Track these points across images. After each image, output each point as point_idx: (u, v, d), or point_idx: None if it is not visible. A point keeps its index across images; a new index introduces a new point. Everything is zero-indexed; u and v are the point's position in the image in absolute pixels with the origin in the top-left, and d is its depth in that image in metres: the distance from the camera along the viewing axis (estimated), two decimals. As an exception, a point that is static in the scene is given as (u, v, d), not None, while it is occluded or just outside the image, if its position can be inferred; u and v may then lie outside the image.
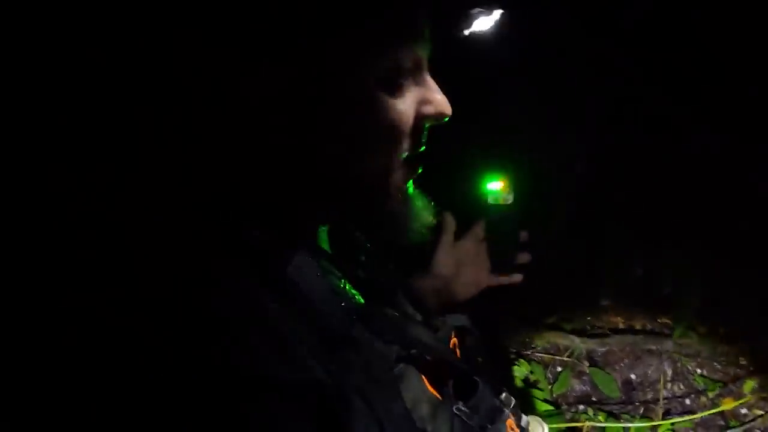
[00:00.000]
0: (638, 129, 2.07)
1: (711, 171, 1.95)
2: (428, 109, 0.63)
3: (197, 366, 0.45)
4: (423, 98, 0.62)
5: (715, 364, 1.91)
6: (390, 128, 0.59)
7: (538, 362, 2.04)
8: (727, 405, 1.77)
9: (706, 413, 1.74)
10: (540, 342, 2.08)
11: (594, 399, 1.94)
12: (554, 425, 1.76)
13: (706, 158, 1.96)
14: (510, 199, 1.00)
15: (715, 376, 1.88)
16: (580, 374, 2.01)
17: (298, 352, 0.51)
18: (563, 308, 2.12)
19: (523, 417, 0.86)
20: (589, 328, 2.10)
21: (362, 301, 0.63)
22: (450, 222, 1.03)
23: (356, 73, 0.55)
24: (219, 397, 0.44)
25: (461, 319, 0.89)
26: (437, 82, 0.64)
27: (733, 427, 1.74)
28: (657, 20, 1.83)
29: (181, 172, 0.55)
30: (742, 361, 1.89)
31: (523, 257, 1.03)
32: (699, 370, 1.91)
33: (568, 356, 2.04)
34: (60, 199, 0.53)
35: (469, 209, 1.04)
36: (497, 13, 0.73)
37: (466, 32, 0.71)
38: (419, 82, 0.62)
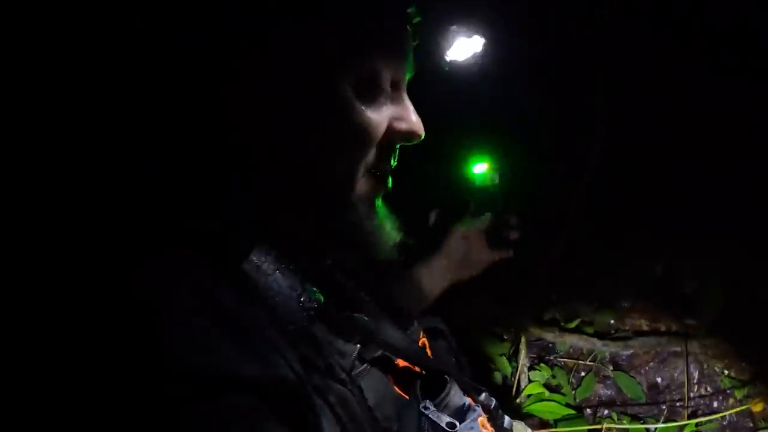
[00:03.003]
0: (657, 123, 2.03)
1: (732, 165, 1.91)
2: (401, 125, 0.66)
3: (156, 367, 0.44)
4: (397, 115, 0.65)
5: (743, 364, 1.85)
6: (358, 134, 0.62)
7: (561, 367, 2.01)
8: (756, 406, 1.71)
9: (732, 411, 1.69)
10: (562, 346, 2.05)
11: (618, 403, 1.91)
12: (574, 428, 1.73)
13: (727, 152, 1.92)
14: (496, 179, 1.04)
15: (743, 377, 1.82)
16: (604, 378, 1.98)
17: (262, 349, 0.51)
18: (585, 312, 2.09)
19: (507, 418, 0.86)
20: (612, 331, 2.06)
21: (323, 299, 0.64)
22: (471, 211, 1.13)
23: (330, 75, 0.58)
24: (181, 398, 0.44)
25: (434, 321, 0.90)
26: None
27: (763, 428, 1.69)
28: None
29: (152, 167, 0.58)
30: (772, 361, 1.83)
31: (513, 234, 1.09)
32: (726, 371, 1.85)
33: (591, 360, 2.00)
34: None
35: (456, 193, 1.10)
36: (479, 42, 0.74)
37: (447, 58, 0.72)
38: (396, 101, 0.65)
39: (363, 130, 0.61)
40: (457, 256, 1.14)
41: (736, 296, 1.86)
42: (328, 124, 0.60)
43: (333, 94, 0.59)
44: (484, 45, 0.75)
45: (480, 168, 1.08)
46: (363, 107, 0.61)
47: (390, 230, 0.70)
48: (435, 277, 1.12)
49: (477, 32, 0.76)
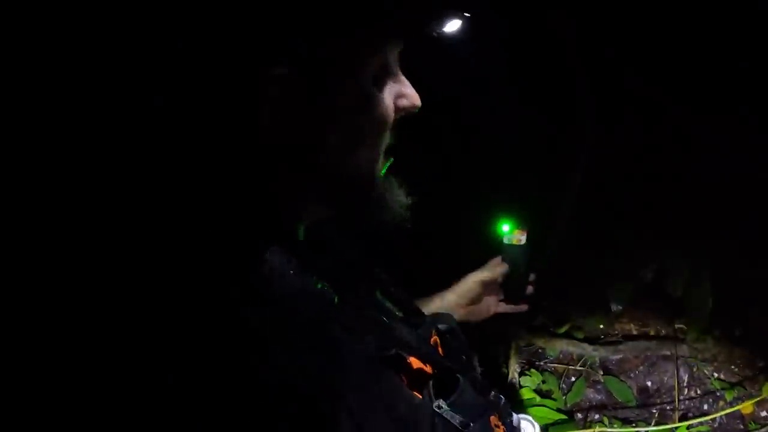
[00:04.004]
0: (643, 131, 2.05)
1: (720, 171, 1.93)
2: (404, 102, 0.67)
3: (171, 375, 0.45)
4: (399, 92, 0.67)
5: (732, 367, 1.87)
6: (380, 121, 0.64)
7: (552, 372, 2.01)
8: (746, 408, 1.73)
9: (723, 413, 1.70)
10: (552, 352, 2.05)
11: (609, 407, 1.91)
12: (566, 432, 1.73)
13: (714, 159, 1.94)
14: (523, 239, 1.16)
15: (733, 380, 1.84)
16: (594, 383, 1.98)
17: (276, 356, 0.51)
18: (575, 317, 2.10)
19: (514, 415, 0.85)
20: (601, 335, 2.07)
21: (337, 298, 0.62)
22: (495, 264, 1.18)
23: (355, 73, 0.59)
24: (197, 407, 0.45)
25: (446, 319, 0.90)
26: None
27: (753, 430, 1.70)
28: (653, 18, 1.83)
29: (184, 175, 0.56)
30: (760, 363, 1.84)
31: (530, 290, 1.13)
32: (716, 374, 1.87)
33: (581, 365, 2.00)
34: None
35: (487, 248, 1.16)
36: (462, 18, 0.74)
37: (435, 34, 0.72)
38: (396, 78, 0.67)
39: (384, 117, 0.63)
40: (468, 298, 1.17)
41: (725, 300, 1.87)
42: (358, 118, 0.61)
43: (360, 92, 0.60)
44: (466, 18, 0.75)
45: (508, 228, 1.16)
46: (380, 95, 0.63)
47: (401, 196, 0.71)
48: (444, 308, 1.14)
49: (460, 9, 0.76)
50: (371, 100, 0.61)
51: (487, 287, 1.18)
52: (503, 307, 1.19)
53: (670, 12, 1.77)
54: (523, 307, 1.20)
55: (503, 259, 1.17)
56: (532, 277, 1.19)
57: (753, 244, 1.83)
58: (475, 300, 1.17)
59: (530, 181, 1.94)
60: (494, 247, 1.19)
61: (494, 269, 1.17)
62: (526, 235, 1.15)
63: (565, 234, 1.99)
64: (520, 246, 1.16)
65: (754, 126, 1.84)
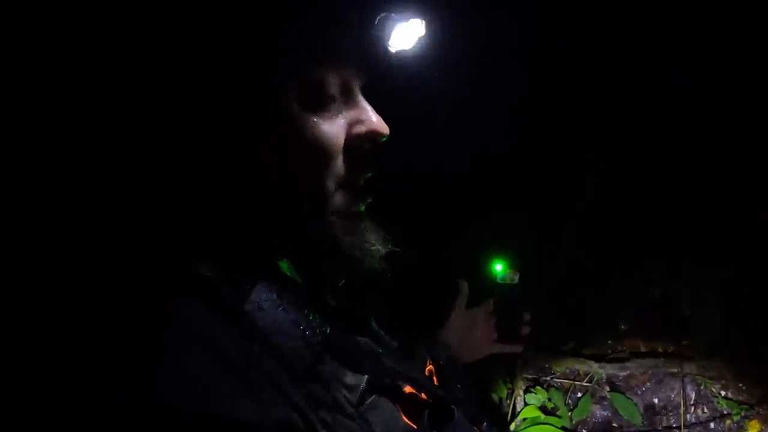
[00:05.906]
0: (651, 146, 2.04)
1: (728, 187, 1.91)
2: (359, 129, 0.64)
3: (152, 407, 0.45)
4: (354, 119, 0.64)
5: (740, 385, 1.85)
6: (316, 147, 0.60)
7: (558, 388, 2.00)
8: (753, 428, 1.71)
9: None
10: (559, 368, 2.04)
11: (615, 425, 1.90)
12: (572, 453, 1.72)
13: (722, 175, 1.93)
14: (516, 279, 1.12)
15: (740, 398, 1.82)
16: (600, 400, 1.97)
17: (262, 389, 0.51)
18: (581, 333, 2.08)
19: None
20: (609, 352, 2.05)
21: (328, 331, 0.63)
22: (464, 288, 1.13)
23: (274, 90, 0.57)
24: None
25: (442, 348, 0.90)
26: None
27: (760, 450, 1.69)
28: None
29: (130, 209, 0.57)
30: (768, 382, 1.83)
31: (525, 330, 1.13)
32: (723, 393, 1.85)
33: (587, 381, 1.99)
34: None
35: (480, 287, 1.16)
36: (418, 25, 0.70)
37: (392, 49, 0.69)
38: (351, 105, 0.64)
39: (319, 143, 0.60)
40: (457, 335, 1.15)
41: (732, 317, 1.86)
42: (284, 142, 0.59)
43: (280, 111, 0.58)
44: (426, 26, 0.71)
45: (501, 267, 1.18)
46: (315, 119, 0.60)
47: (375, 244, 0.68)
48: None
49: (412, 15, 0.71)
50: (299, 121, 0.59)
51: (479, 326, 1.18)
52: (498, 348, 1.19)
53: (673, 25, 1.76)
54: (518, 348, 1.19)
55: (497, 299, 1.17)
56: (526, 316, 1.18)
57: (761, 262, 1.82)
58: (465, 338, 1.16)
59: (525, 216, 1.94)
60: (487, 287, 1.19)
61: (480, 308, 1.18)
62: (518, 275, 1.16)
63: (572, 249, 1.98)
64: (513, 285, 1.16)
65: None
